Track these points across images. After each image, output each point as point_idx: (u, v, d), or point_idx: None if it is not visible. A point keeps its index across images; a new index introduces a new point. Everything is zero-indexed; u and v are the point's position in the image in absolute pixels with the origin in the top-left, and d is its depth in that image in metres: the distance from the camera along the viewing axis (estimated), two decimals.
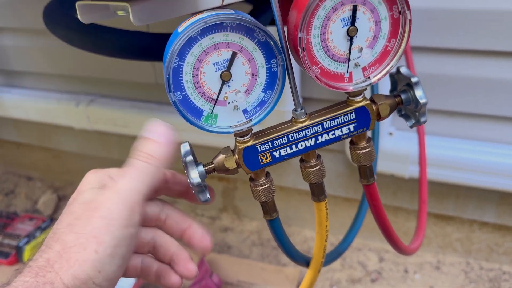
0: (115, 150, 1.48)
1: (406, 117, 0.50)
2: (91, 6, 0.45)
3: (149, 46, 0.68)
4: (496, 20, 0.86)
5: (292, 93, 0.45)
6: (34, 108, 1.43)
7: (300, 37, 0.41)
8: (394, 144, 1.04)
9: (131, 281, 1.18)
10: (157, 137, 0.44)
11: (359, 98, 0.46)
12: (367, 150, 0.48)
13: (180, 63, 0.40)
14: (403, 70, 0.48)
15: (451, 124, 1.03)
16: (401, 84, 0.49)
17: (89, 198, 0.40)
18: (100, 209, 0.39)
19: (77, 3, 0.44)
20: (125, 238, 0.39)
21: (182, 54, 0.40)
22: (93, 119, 1.34)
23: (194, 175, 0.44)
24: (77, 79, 1.40)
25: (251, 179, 0.48)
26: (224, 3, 0.42)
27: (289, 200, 1.31)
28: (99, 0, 0.43)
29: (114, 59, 0.93)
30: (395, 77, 0.50)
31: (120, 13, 0.45)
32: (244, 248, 1.32)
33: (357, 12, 0.42)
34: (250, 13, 0.85)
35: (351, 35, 0.42)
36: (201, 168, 0.45)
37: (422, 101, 0.46)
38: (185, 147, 0.45)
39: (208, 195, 0.45)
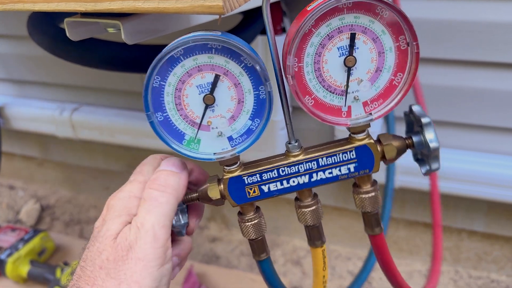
0: (100, 160, 1.45)
1: (421, 162, 0.44)
2: (81, 23, 0.43)
3: (137, 58, 0.66)
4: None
5: (286, 124, 0.42)
6: (16, 116, 1.39)
7: (288, 64, 0.38)
8: None
9: None
10: (170, 168, 0.42)
11: (361, 135, 0.41)
12: (371, 194, 0.43)
13: (161, 82, 0.38)
14: (415, 108, 0.42)
15: (438, 134, 1.03)
16: (416, 125, 0.43)
17: (116, 231, 0.39)
18: (134, 250, 0.38)
19: (66, 20, 0.42)
20: (163, 276, 0.39)
21: (163, 73, 0.38)
22: (78, 127, 1.30)
23: None
24: (61, 86, 1.37)
25: (239, 213, 0.45)
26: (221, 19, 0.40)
27: (279, 209, 1.30)
28: (89, 18, 0.41)
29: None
30: (410, 117, 0.44)
31: (110, 30, 0.43)
32: (233, 258, 1.31)
33: (356, 41, 0.38)
34: (240, 23, 0.84)
35: (348, 66, 0.39)
36: None
37: (432, 145, 0.40)
38: None
39: (179, 222, 0.44)
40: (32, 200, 1.57)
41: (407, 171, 1.01)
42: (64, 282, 1.16)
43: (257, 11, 0.85)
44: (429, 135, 0.41)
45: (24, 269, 1.21)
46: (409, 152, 1.05)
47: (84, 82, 1.30)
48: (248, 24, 0.84)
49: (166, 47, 0.38)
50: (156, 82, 0.39)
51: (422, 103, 0.91)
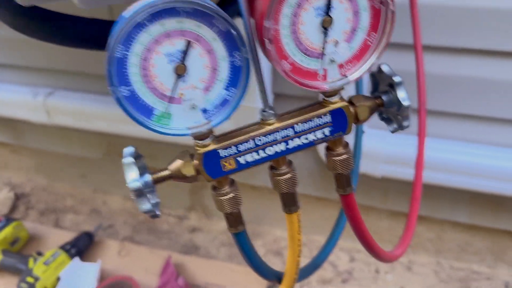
0: (76, 146, 1.41)
1: (388, 121, 0.46)
2: None
3: (106, 34, 0.62)
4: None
5: (260, 91, 0.40)
6: None
7: (266, 27, 0.36)
8: (367, 142, 1.01)
9: (96, 266, 1.12)
10: None
11: (335, 98, 0.41)
12: (344, 156, 0.44)
13: (125, 52, 0.35)
14: (385, 68, 0.43)
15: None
16: (383, 84, 0.44)
17: None
18: None
19: None
20: None
21: (127, 42, 0.34)
22: (52, 112, 1.26)
23: (132, 176, 0.39)
24: (35, 70, 1.31)
25: (213, 187, 0.43)
26: None
27: (260, 198, 1.28)
28: None
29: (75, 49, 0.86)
30: (377, 77, 0.45)
31: None
32: (212, 248, 1.28)
33: (333, 0, 0.37)
34: (218, 4, 0.81)
35: (325, 26, 0.38)
36: (146, 177, 0.40)
37: (404, 103, 0.41)
38: (127, 150, 0.40)
39: (149, 205, 0.40)
40: (6, 188, 1.52)
41: (390, 160, 0.99)
42: (37, 273, 1.12)
43: None
44: (401, 93, 0.42)
45: None
46: (390, 141, 1.02)
47: (59, 65, 1.25)
48: (225, 5, 0.80)
49: (129, 13, 0.34)
50: (118, 52, 0.35)
51: (423, 90, 0.87)
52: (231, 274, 1.17)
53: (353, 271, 1.19)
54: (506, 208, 1.05)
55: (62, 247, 1.19)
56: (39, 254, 1.18)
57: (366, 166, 1.02)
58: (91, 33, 0.63)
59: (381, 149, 0.99)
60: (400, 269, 1.17)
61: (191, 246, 1.29)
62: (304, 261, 0.99)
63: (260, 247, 1.27)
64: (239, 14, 0.84)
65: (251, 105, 0.98)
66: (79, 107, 1.22)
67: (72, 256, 1.18)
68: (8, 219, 1.28)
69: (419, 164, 0.77)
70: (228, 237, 1.31)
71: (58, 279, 1.11)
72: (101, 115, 1.20)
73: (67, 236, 1.26)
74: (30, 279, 1.11)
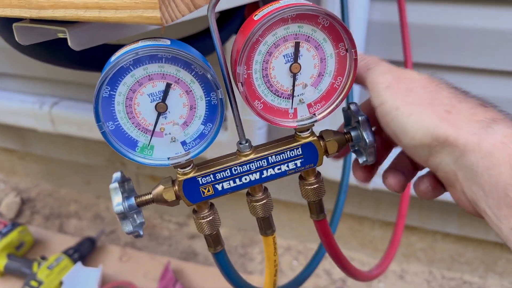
0: (80, 154, 1.45)
1: (359, 153, 0.48)
2: (30, 28, 0.43)
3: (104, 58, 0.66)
4: None
5: (237, 126, 0.43)
6: None
7: (238, 73, 0.39)
8: None
9: (97, 271, 1.16)
10: None
11: (306, 134, 0.44)
12: (315, 186, 0.46)
13: (111, 92, 0.38)
14: (353, 107, 0.46)
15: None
16: (353, 120, 0.47)
17: None
18: None
19: (14, 25, 0.42)
20: None
21: (113, 83, 0.38)
22: (57, 122, 1.30)
23: (116, 201, 0.43)
24: (41, 80, 1.36)
25: (194, 211, 0.46)
26: (166, 25, 0.40)
27: None
28: (37, 23, 0.41)
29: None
30: (348, 112, 0.48)
31: (60, 35, 0.43)
32: (211, 255, 1.31)
33: (301, 48, 0.40)
34: (218, 20, 0.84)
35: (294, 72, 0.41)
36: (131, 200, 0.44)
37: (368, 140, 0.44)
38: (115, 175, 0.44)
39: (131, 228, 0.43)
40: (12, 193, 1.56)
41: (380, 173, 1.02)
42: (41, 277, 1.16)
43: (232, 12, 0.85)
44: (364, 132, 0.44)
45: (1, 262, 1.22)
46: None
47: (64, 76, 1.30)
48: (225, 23, 0.83)
49: (114, 58, 0.38)
50: (106, 92, 0.39)
51: (408, 44, 0.87)
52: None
53: (347, 279, 1.21)
54: None
55: (65, 252, 1.23)
56: (43, 258, 1.22)
57: (339, 174, 1.04)
58: (88, 56, 0.66)
59: None
60: (393, 278, 1.20)
61: (190, 253, 1.33)
62: (299, 269, 1.01)
63: (257, 255, 1.30)
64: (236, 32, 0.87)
65: (249, 118, 1.01)
66: (83, 117, 1.27)
67: (74, 261, 1.21)
68: (14, 223, 1.32)
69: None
70: (227, 244, 1.34)
71: (61, 283, 1.15)
72: None
73: (70, 241, 1.30)
74: (34, 283, 1.15)
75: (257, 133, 1.10)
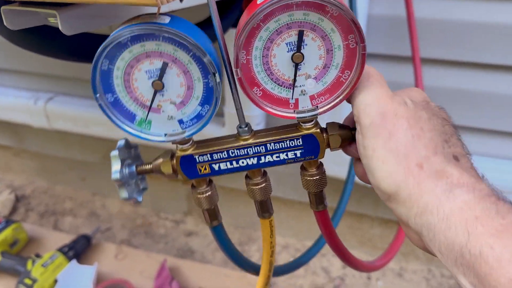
0: (76, 151, 1.43)
1: None
2: (19, 12, 0.41)
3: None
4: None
5: (237, 109, 0.43)
6: None
7: (236, 57, 0.38)
8: None
9: (92, 269, 1.14)
10: None
11: (308, 124, 0.43)
12: (316, 177, 0.45)
13: (110, 66, 0.39)
14: None
15: None
16: None
17: None
18: None
19: (2, 8, 0.40)
20: None
21: (112, 57, 0.38)
22: (52, 117, 1.28)
23: (114, 168, 0.44)
24: (36, 75, 1.34)
25: (193, 186, 0.47)
26: (160, 12, 0.39)
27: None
28: (27, 6, 0.39)
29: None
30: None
31: (51, 20, 0.41)
32: (208, 253, 1.30)
33: (305, 37, 0.38)
34: (220, 3, 0.82)
35: (296, 62, 0.39)
36: (132, 168, 0.45)
37: None
38: (119, 142, 0.45)
39: (126, 194, 0.45)
40: (7, 190, 1.54)
41: None
42: (35, 275, 1.14)
43: (231, 3, 0.84)
44: None
45: None
46: None
47: (59, 72, 1.28)
48: (224, 13, 0.82)
49: (113, 34, 0.37)
50: (104, 65, 0.39)
51: (415, 38, 0.86)
52: (225, 279, 1.19)
53: (345, 277, 1.20)
54: None
55: (60, 250, 1.21)
56: (38, 256, 1.20)
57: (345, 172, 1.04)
58: (82, 46, 0.65)
59: None
60: (392, 276, 1.19)
61: (187, 250, 1.31)
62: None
63: (255, 252, 1.28)
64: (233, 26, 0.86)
65: (248, 114, 1.00)
66: (78, 113, 1.25)
67: (69, 259, 1.20)
68: (8, 221, 1.30)
69: None
70: None
71: (55, 281, 1.13)
72: (100, 120, 1.22)
73: (65, 238, 1.28)
74: (28, 281, 1.13)
75: (255, 128, 1.08)
